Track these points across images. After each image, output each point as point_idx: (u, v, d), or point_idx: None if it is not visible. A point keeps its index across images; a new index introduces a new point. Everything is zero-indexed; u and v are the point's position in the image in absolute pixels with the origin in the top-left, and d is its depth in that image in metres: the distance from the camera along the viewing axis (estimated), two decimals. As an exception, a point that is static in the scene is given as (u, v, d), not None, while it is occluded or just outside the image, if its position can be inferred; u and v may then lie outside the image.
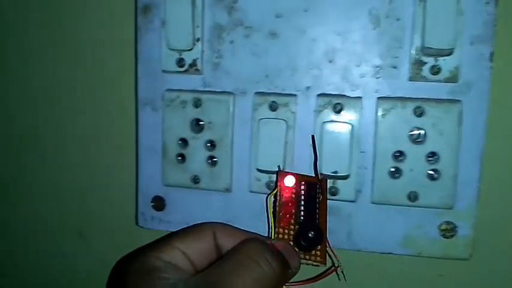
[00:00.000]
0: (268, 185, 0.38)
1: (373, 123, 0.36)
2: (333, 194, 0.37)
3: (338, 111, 0.36)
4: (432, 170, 0.35)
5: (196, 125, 0.38)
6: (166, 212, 0.40)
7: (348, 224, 0.37)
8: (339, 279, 0.34)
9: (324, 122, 0.36)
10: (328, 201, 0.37)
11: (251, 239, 0.31)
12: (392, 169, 0.36)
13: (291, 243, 0.33)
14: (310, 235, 0.32)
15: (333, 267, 0.34)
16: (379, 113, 0.36)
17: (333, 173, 0.36)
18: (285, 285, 0.31)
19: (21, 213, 0.47)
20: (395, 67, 0.36)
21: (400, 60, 0.36)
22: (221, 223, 0.33)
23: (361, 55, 0.36)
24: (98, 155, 0.44)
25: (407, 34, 0.35)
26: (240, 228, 0.34)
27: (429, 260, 0.38)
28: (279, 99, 0.37)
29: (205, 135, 0.38)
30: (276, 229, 0.33)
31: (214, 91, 0.38)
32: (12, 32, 0.44)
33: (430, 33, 0.34)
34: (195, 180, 0.39)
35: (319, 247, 0.33)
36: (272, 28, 0.37)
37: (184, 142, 0.39)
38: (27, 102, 0.45)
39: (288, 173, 0.35)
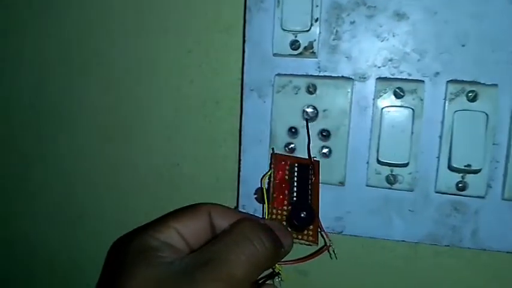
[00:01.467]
0: (388, 179, 0.35)
1: (509, 113, 0.33)
2: (461, 190, 0.34)
3: (471, 99, 0.33)
4: None
5: (309, 113, 0.36)
6: (270, 205, 0.38)
7: (474, 221, 0.35)
8: (331, 258, 0.34)
9: (456, 111, 0.33)
10: (454, 196, 0.35)
11: (245, 219, 0.31)
12: (528, 163, 0.33)
13: (284, 223, 0.33)
14: (302, 215, 0.32)
15: (324, 247, 0.34)
16: (517, 102, 0.33)
17: (466, 166, 0.33)
18: (278, 264, 0.32)
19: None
20: (535, 52, 0.33)
21: (542, 45, 0.33)
22: (216, 204, 0.33)
23: (497, 39, 0.33)
24: (198, 143, 0.41)
25: (552, 16, 0.32)
26: (234, 209, 0.34)
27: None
28: (406, 86, 0.34)
29: (319, 124, 0.36)
30: (270, 209, 0.33)
31: (331, 76, 0.35)
32: (111, 16, 0.42)
33: None
34: (305, 171, 0.36)
35: (311, 227, 0.33)
36: (399, 8, 0.34)
37: (294, 131, 0.36)
38: (129, 91, 0.42)
39: (281, 155, 0.35)
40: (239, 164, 0.38)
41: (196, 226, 0.31)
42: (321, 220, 0.33)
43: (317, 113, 0.36)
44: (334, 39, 0.35)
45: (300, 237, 0.33)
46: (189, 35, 0.40)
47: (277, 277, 0.32)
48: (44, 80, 0.44)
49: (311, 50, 0.35)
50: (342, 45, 0.35)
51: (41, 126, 0.45)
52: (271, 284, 0.33)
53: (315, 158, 0.35)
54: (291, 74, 0.36)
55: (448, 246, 0.36)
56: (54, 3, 0.43)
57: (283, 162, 0.35)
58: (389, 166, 0.35)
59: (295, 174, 0.34)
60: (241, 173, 0.38)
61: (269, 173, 0.35)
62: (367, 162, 0.35)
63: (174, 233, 0.30)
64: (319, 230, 0.33)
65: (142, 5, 0.40)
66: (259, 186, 0.38)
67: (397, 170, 0.35)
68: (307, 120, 0.35)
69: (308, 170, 0.34)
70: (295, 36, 0.35)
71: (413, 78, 0.34)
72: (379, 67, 0.35)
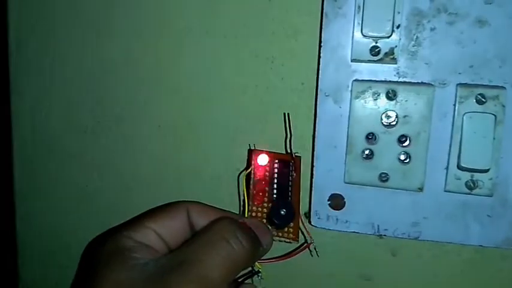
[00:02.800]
0: (467, 184, 0.35)
1: None
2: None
3: (554, 106, 0.34)
4: None
5: (389, 119, 0.36)
6: (345, 212, 0.38)
7: (552, 225, 0.35)
8: (311, 256, 0.34)
9: (538, 117, 0.34)
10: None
11: (223, 218, 0.30)
12: None
13: (264, 220, 0.33)
14: (282, 213, 0.32)
15: (305, 244, 0.34)
16: None
17: (548, 172, 0.34)
18: (258, 262, 0.32)
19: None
20: None
21: None
22: (195, 201, 0.33)
23: None
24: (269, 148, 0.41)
25: None
26: (214, 207, 0.33)
27: None
28: (487, 92, 0.34)
29: (399, 130, 0.36)
30: (250, 207, 0.33)
31: (411, 82, 0.35)
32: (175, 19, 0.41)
33: None
34: (383, 178, 0.36)
35: (291, 224, 0.33)
36: (481, 15, 0.34)
37: (371, 137, 0.36)
38: (193, 95, 0.42)
39: (261, 151, 0.35)
40: (312, 170, 0.38)
41: (174, 225, 0.30)
42: (301, 217, 0.33)
43: (397, 119, 0.35)
44: (414, 46, 0.35)
45: (280, 234, 0.33)
46: (257, 40, 0.39)
47: (257, 275, 0.32)
48: (106, 85, 0.43)
49: (392, 56, 0.35)
50: (422, 51, 0.35)
51: (101, 132, 0.44)
52: (251, 284, 0.32)
53: (296, 154, 0.35)
54: (370, 80, 0.36)
55: (525, 250, 0.36)
56: (117, 4, 0.42)
57: None
58: (470, 172, 0.35)
59: (275, 170, 0.34)
60: (314, 180, 0.38)
61: (249, 170, 0.34)
62: (446, 168, 0.35)
63: (151, 232, 0.29)
64: (300, 227, 0.33)
65: (210, 9, 0.40)
66: (334, 192, 0.38)
67: (477, 176, 0.35)
68: (288, 115, 0.36)
69: (289, 166, 0.34)
70: (376, 42, 0.35)
71: (495, 85, 0.35)
72: (459, 73, 0.35)
